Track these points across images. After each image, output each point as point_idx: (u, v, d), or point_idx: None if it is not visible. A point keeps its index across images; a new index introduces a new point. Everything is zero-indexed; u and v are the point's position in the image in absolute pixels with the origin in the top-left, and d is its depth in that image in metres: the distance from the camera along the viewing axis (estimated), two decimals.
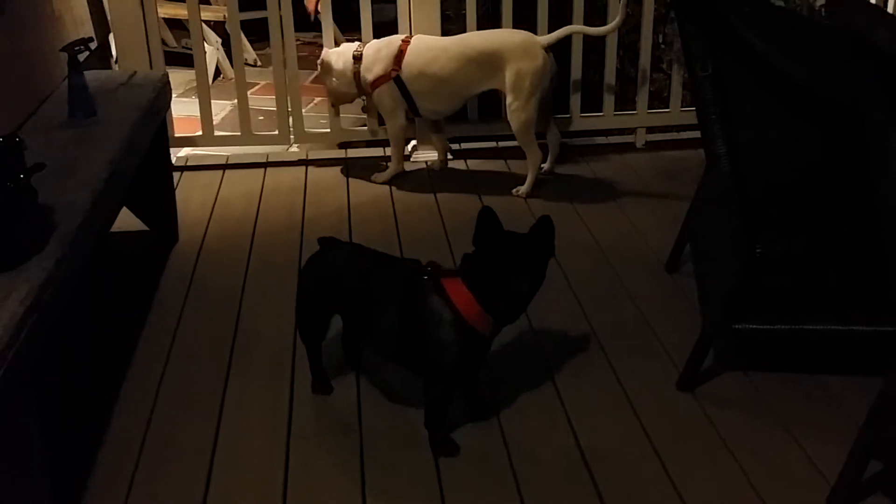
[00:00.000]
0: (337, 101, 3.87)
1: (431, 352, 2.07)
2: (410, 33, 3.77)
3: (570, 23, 3.84)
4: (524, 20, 3.83)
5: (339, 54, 3.69)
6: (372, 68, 3.59)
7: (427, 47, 3.59)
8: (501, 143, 4.21)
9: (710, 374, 2.44)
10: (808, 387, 2.41)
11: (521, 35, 3.56)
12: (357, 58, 3.63)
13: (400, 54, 3.56)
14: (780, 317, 2.28)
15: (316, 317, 2.33)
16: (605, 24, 3.76)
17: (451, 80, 3.55)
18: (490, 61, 3.49)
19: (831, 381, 2.42)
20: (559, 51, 3.64)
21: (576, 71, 3.95)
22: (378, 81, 3.59)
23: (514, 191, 3.63)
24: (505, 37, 3.55)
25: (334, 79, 3.72)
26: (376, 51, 3.61)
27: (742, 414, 2.31)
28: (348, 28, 5.13)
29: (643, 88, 4.07)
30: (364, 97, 3.77)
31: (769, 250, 2.18)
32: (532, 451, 2.18)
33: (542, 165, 3.69)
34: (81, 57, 2.78)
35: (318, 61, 3.75)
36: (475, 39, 3.58)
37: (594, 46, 3.93)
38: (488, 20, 4.08)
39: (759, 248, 2.18)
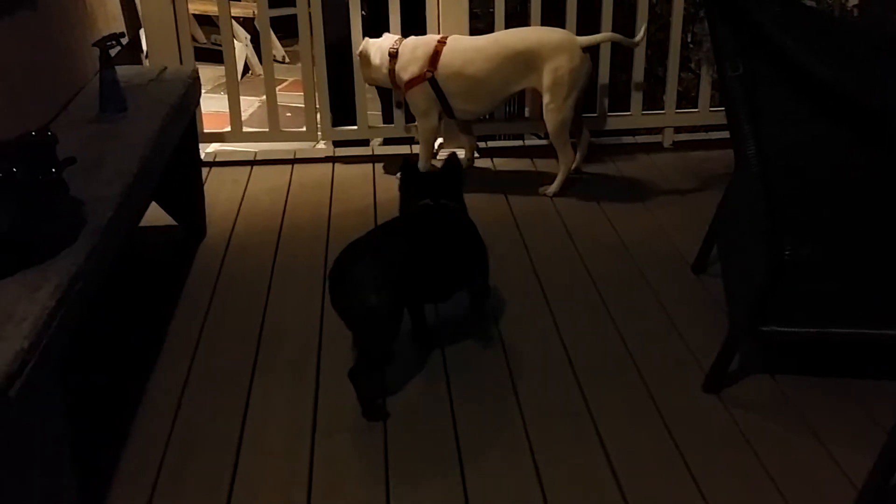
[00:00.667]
0: (373, 84, 3.80)
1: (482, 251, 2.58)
2: (439, 32, 3.77)
3: (600, 22, 3.83)
4: (553, 20, 3.82)
5: (377, 48, 3.63)
6: (407, 68, 3.56)
7: (463, 48, 3.56)
8: (528, 142, 4.21)
9: (737, 377, 2.43)
10: (835, 390, 2.38)
11: (559, 34, 3.54)
12: (393, 55, 3.60)
13: (435, 55, 3.53)
14: (808, 320, 2.26)
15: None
16: (633, 23, 3.75)
17: (487, 80, 3.53)
18: (527, 60, 3.47)
19: (859, 385, 2.39)
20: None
21: (604, 70, 3.93)
22: (413, 82, 3.56)
23: (541, 190, 3.63)
24: (543, 35, 3.53)
25: (371, 72, 3.68)
26: (412, 49, 3.57)
27: (768, 417, 2.29)
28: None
29: (671, 88, 4.05)
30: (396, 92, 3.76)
31: (797, 253, 2.16)
32: (557, 453, 2.18)
33: None
34: (113, 52, 2.81)
35: (357, 52, 3.72)
36: (512, 38, 3.55)
37: (623, 46, 3.91)
38: (516, 19, 4.07)
39: (788, 251, 2.16)
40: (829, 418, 2.28)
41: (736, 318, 2.37)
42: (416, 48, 3.58)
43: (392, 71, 3.60)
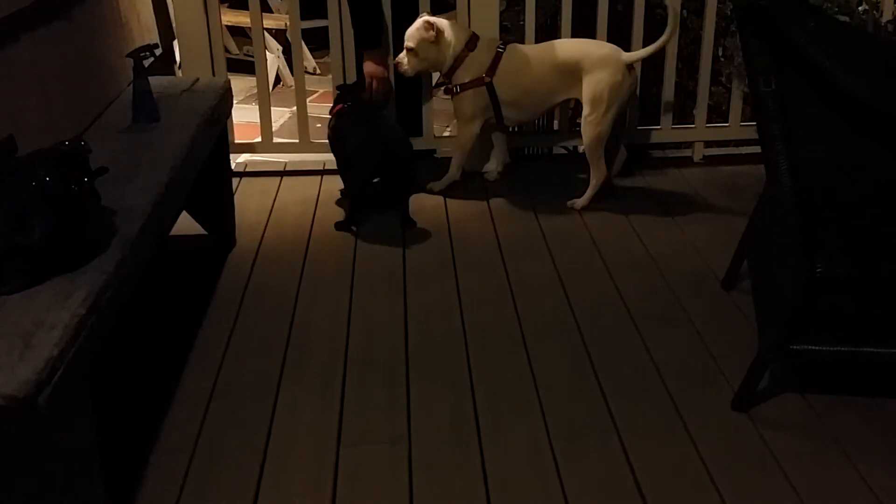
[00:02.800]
0: (411, 71, 3.60)
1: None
2: None
3: (630, 36, 3.82)
4: (584, 33, 3.81)
5: (454, 30, 3.52)
6: (469, 68, 3.54)
7: (520, 56, 3.57)
8: (556, 153, 4.20)
9: (767, 395, 2.40)
10: (867, 411, 2.35)
11: (606, 48, 3.56)
12: (471, 47, 3.52)
13: (495, 61, 3.54)
14: (840, 339, 2.23)
15: None
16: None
17: (534, 89, 3.55)
18: (571, 71, 3.48)
19: (892, 406, 2.36)
20: None
21: (636, 84, 3.91)
22: (469, 84, 3.56)
23: (570, 202, 3.61)
24: (589, 48, 3.54)
25: (436, 53, 3.52)
26: (473, 58, 3.54)
27: (799, 437, 2.26)
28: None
29: (702, 102, 4.02)
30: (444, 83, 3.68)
31: (829, 270, 2.13)
32: (584, 470, 2.16)
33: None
34: (146, 63, 2.84)
35: (426, 26, 3.48)
36: (560, 49, 3.56)
37: (653, 60, 3.90)
38: (546, 32, 4.07)
39: (820, 268, 2.13)
40: (861, 439, 2.24)
41: (766, 336, 2.35)
42: (476, 54, 3.52)
43: (461, 59, 3.51)
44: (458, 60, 3.54)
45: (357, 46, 3.78)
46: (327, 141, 3.65)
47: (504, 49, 3.56)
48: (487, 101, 3.58)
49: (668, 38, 3.55)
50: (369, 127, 3.38)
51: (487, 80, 3.54)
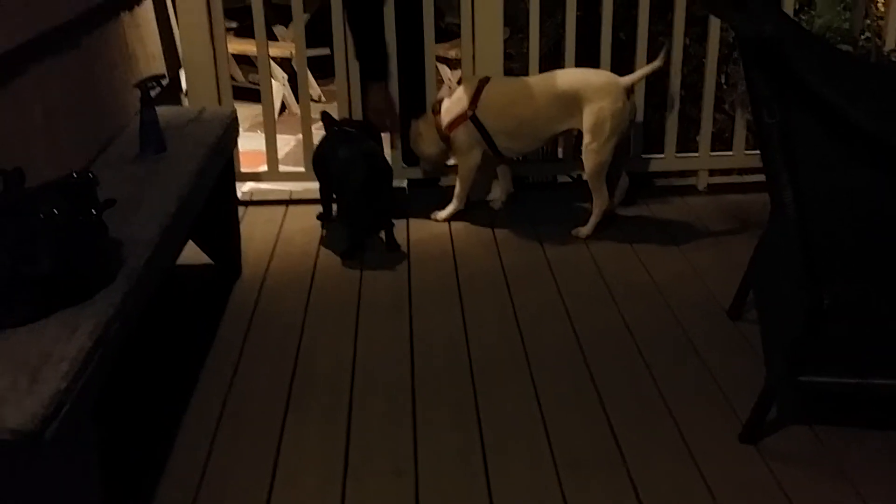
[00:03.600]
0: (430, 160, 3.84)
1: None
2: (474, 72, 3.81)
3: (633, 63, 3.84)
4: (587, 61, 3.83)
5: (423, 123, 3.75)
6: (451, 110, 3.63)
7: (505, 86, 3.63)
8: (561, 181, 4.20)
9: (775, 427, 2.38)
10: (877, 443, 2.34)
11: (604, 76, 3.58)
12: (436, 111, 3.67)
13: (477, 93, 3.58)
14: (848, 370, 2.22)
15: None
16: (667, 66, 3.77)
17: (531, 119, 3.57)
18: (571, 101, 3.50)
19: None
20: None
21: (637, 111, 3.93)
22: (455, 122, 3.61)
23: (574, 231, 3.62)
24: (587, 77, 3.56)
25: (426, 144, 3.76)
26: (456, 95, 3.65)
27: (807, 470, 2.25)
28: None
29: (706, 130, 4.03)
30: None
31: (836, 301, 2.13)
32: (590, 500, 2.15)
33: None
34: (153, 93, 2.86)
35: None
36: (557, 79, 3.58)
37: (656, 87, 3.91)
38: (550, 60, 4.09)
39: (826, 299, 2.13)
40: (869, 472, 2.23)
41: (773, 367, 2.34)
42: (458, 93, 3.64)
43: (439, 127, 3.66)
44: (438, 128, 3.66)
45: (363, 79, 3.81)
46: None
47: (486, 81, 3.61)
48: (478, 133, 3.61)
49: (661, 62, 3.58)
50: (353, 146, 3.40)
51: (470, 113, 3.58)
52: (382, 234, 3.53)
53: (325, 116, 3.65)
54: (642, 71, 3.62)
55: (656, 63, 3.56)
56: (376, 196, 3.37)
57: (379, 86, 3.75)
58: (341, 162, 3.41)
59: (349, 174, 3.35)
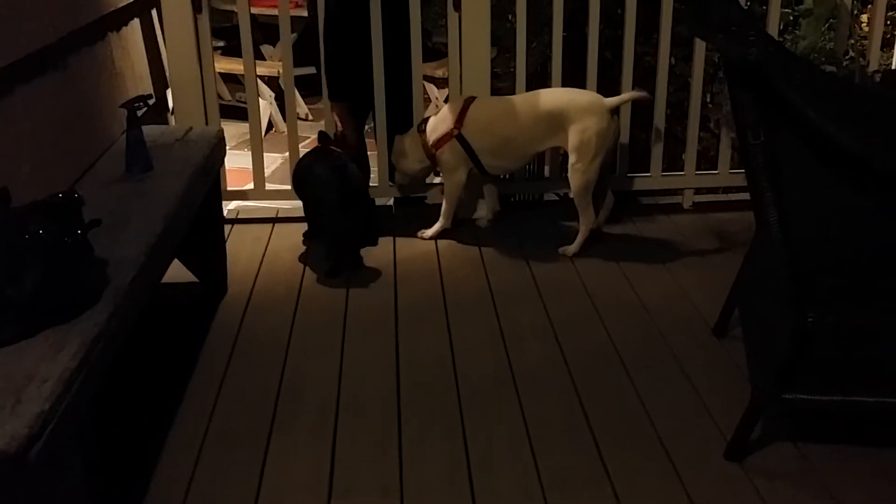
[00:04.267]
0: (414, 175, 3.87)
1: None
2: (461, 92, 3.83)
3: (620, 84, 3.87)
4: (574, 81, 3.86)
5: (409, 139, 3.78)
6: (436, 128, 3.67)
7: (491, 106, 3.66)
8: (547, 198, 4.22)
9: (760, 444, 2.39)
10: (860, 460, 2.35)
11: (588, 95, 3.62)
12: (422, 129, 3.72)
13: (462, 112, 3.61)
14: (832, 387, 2.23)
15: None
16: (653, 85, 3.80)
17: (516, 138, 3.60)
18: (555, 120, 3.53)
19: (885, 455, 2.36)
20: None
21: (623, 131, 3.96)
22: (441, 140, 3.64)
23: (561, 250, 3.63)
24: (572, 96, 3.60)
25: (408, 162, 3.79)
26: (440, 114, 3.70)
27: (792, 487, 2.26)
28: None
29: (691, 149, 4.06)
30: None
31: (821, 319, 2.15)
32: None
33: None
34: (140, 112, 2.86)
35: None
36: (542, 98, 3.61)
37: (642, 106, 3.94)
38: (537, 79, 4.12)
39: (811, 317, 2.14)
40: (854, 488, 2.24)
41: (758, 385, 2.35)
42: (444, 112, 3.68)
43: (426, 145, 3.68)
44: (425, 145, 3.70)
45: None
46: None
47: (472, 100, 3.65)
48: (464, 151, 3.64)
49: (646, 95, 3.66)
50: (330, 164, 3.41)
51: (456, 132, 3.61)
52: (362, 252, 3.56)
53: (321, 136, 3.68)
54: (627, 95, 3.66)
55: (642, 94, 3.64)
56: (351, 212, 3.38)
57: (340, 105, 3.86)
58: (315, 178, 3.43)
59: (322, 191, 3.38)
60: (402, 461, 2.36)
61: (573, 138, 3.49)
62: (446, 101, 3.92)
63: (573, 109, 3.50)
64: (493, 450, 2.41)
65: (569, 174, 3.55)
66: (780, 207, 2.19)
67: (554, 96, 3.64)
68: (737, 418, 2.35)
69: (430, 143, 3.67)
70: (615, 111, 3.56)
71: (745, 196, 2.75)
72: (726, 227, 3.88)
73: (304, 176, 3.53)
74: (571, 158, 3.52)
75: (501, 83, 4.30)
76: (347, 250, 3.53)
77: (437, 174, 3.91)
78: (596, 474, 2.31)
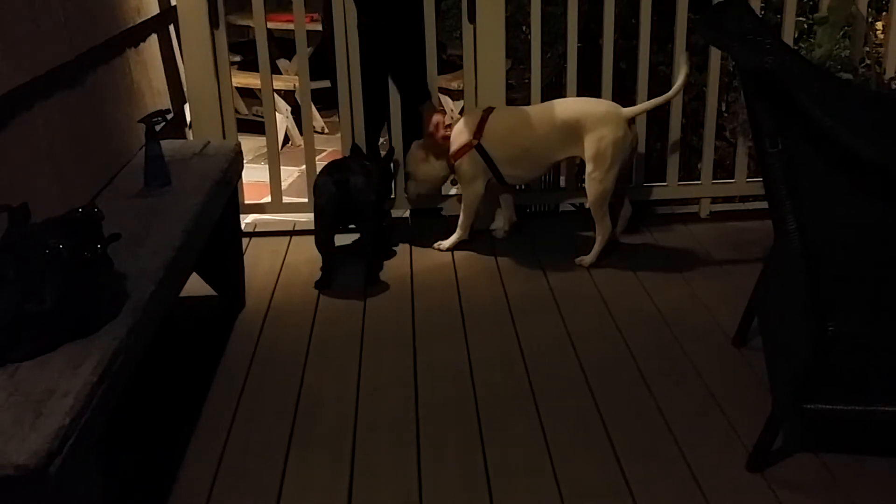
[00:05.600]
0: (430, 185, 3.86)
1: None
2: (476, 103, 3.84)
3: (635, 93, 3.87)
4: (589, 91, 3.86)
5: (423, 146, 3.78)
6: (457, 139, 3.67)
7: (509, 115, 3.67)
8: (563, 209, 4.22)
9: (781, 455, 2.38)
10: (882, 470, 2.32)
11: (605, 105, 3.62)
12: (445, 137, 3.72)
13: (482, 123, 3.62)
14: (854, 397, 2.22)
15: None
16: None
17: (533, 147, 3.61)
18: (572, 130, 3.53)
19: None
20: None
21: (640, 141, 3.95)
22: (461, 151, 3.65)
23: (577, 260, 3.62)
24: (589, 106, 3.60)
25: (428, 169, 3.78)
26: (461, 124, 3.69)
27: (814, 498, 2.24)
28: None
29: (707, 158, 4.05)
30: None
31: (841, 329, 2.13)
32: None
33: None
34: (158, 127, 2.88)
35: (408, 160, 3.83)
36: (559, 108, 3.62)
37: (657, 116, 3.93)
38: (552, 90, 4.12)
39: (831, 327, 2.13)
40: (878, 499, 2.22)
41: (779, 395, 2.33)
42: (462, 123, 3.68)
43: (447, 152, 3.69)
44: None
45: (413, 104, 3.82)
46: None
47: (491, 111, 3.65)
48: (483, 161, 3.64)
49: (673, 95, 3.60)
50: (333, 176, 3.42)
51: (475, 142, 3.61)
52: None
53: (354, 147, 3.78)
54: (645, 105, 3.65)
55: (661, 99, 3.62)
56: (343, 224, 3.43)
57: (429, 103, 3.78)
58: (316, 188, 3.48)
59: (319, 201, 3.43)
60: (420, 474, 2.35)
61: (590, 148, 3.49)
62: (461, 112, 3.92)
63: (590, 119, 3.50)
64: (511, 462, 2.40)
65: (586, 184, 3.55)
66: (799, 216, 2.18)
67: (571, 106, 3.64)
68: (758, 429, 2.33)
69: (451, 152, 3.67)
70: (632, 121, 3.56)
71: (763, 204, 2.74)
72: (744, 235, 3.86)
73: (315, 189, 3.57)
74: (588, 168, 3.51)
75: (516, 94, 4.31)
76: (334, 263, 3.53)
77: (453, 183, 3.91)
78: (616, 486, 2.29)
